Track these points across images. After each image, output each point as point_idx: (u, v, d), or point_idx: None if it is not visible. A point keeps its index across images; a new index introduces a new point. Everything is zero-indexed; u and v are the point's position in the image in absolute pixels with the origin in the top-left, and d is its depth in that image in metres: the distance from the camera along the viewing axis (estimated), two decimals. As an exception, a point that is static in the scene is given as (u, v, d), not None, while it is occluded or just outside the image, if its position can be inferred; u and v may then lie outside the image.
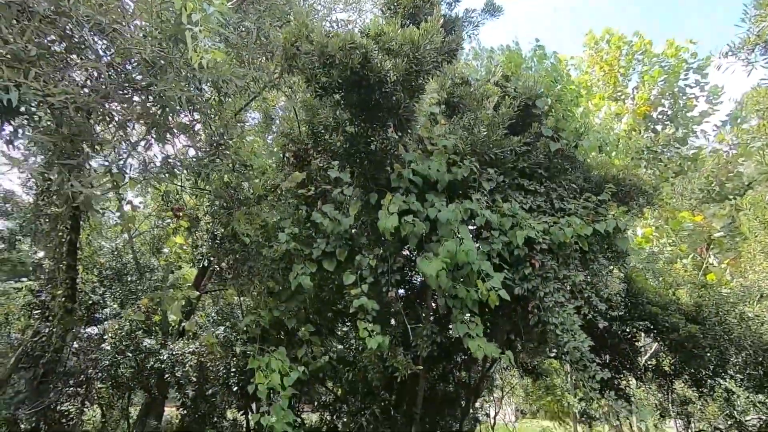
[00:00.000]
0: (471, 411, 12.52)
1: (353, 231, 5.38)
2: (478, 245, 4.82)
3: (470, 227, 5.11)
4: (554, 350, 8.37)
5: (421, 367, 5.07)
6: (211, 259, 5.51)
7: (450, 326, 5.61)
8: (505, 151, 5.40)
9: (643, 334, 8.84)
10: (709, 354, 7.16)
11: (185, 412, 11.01)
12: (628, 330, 8.20)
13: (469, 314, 4.46)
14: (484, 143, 5.12)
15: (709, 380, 8.95)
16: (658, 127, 19.03)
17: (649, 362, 9.05)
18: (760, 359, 8.30)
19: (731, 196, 17.88)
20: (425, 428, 10.73)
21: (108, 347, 10.75)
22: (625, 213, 5.16)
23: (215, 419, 10.35)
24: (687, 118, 18.48)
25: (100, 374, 10.73)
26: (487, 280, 4.31)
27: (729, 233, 15.13)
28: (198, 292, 7.87)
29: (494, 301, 4.25)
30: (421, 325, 5.06)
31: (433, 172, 4.79)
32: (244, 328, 4.99)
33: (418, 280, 6.69)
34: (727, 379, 9.01)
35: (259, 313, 4.91)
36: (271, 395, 4.87)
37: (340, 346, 10.87)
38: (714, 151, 18.94)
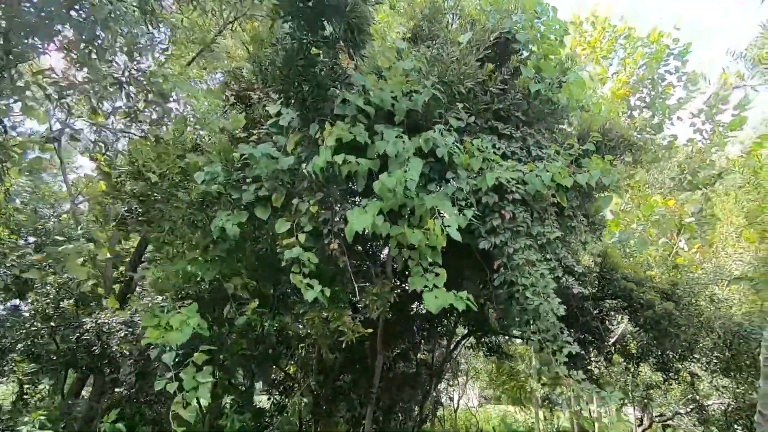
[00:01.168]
0: (433, 393, 11.99)
1: (294, 173, 4.48)
2: (439, 186, 4.00)
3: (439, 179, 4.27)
4: (519, 328, 7.77)
5: (371, 330, 4.29)
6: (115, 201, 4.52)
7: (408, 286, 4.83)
8: (478, 89, 4.59)
9: (612, 314, 8.40)
10: (684, 333, 6.72)
11: (120, 389, 9.99)
12: (599, 308, 7.70)
13: (429, 265, 3.67)
14: (454, 72, 4.28)
15: (675, 363, 8.65)
16: (635, 113, 18.78)
17: (616, 345, 8.64)
18: (729, 342, 8.01)
19: (701, 186, 17.94)
20: (382, 409, 10.10)
21: (27, 315, 9.52)
22: (611, 163, 4.47)
23: (149, 397, 9.36)
24: (664, 106, 18.27)
25: (19, 346, 9.54)
26: (441, 218, 3.52)
27: (699, 221, 15.08)
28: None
29: (441, 242, 3.48)
30: (371, 283, 4.25)
31: (388, 98, 3.92)
32: (147, 282, 4.03)
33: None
34: (695, 362, 8.74)
35: (161, 261, 3.97)
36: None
37: (299, 325, 10.04)
38: (689, 140, 18.93)
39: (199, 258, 4.14)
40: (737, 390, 9.09)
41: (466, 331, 10.54)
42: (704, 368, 8.98)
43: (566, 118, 4.93)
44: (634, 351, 8.35)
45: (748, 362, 8.04)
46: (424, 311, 10.45)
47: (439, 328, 10.29)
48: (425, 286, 3.56)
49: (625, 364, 8.95)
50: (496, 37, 4.87)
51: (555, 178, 4.04)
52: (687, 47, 17.80)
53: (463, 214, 3.77)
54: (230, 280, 4.32)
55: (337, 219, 4.08)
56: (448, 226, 3.54)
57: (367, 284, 4.29)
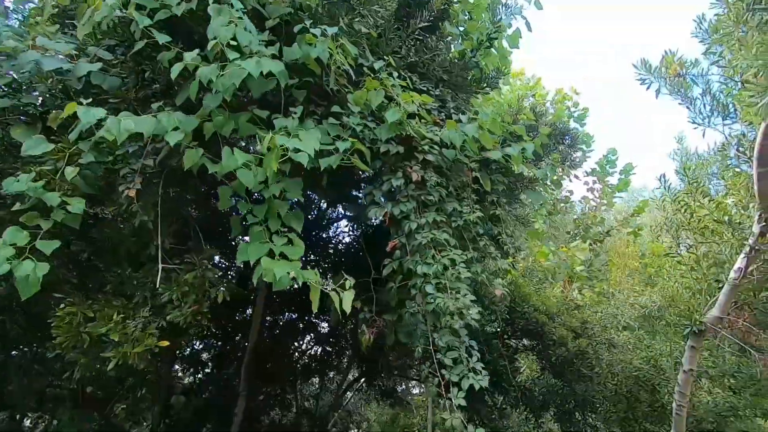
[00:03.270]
0: (315, 451, 9.90)
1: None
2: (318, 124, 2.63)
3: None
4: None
5: (166, 343, 2.57)
6: None
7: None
8: (391, 32, 3.49)
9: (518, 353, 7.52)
10: (598, 376, 5.96)
11: None
12: (507, 346, 6.75)
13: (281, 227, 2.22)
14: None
15: (576, 413, 7.97)
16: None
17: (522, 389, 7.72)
18: (630, 389, 7.55)
19: (589, 241, 19.33)
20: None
21: None
22: (555, 153, 3.59)
23: None
24: (565, 167, 19.73)
25: None
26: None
27: (588, 273, 15.82)
28: None
29: (272, 165, 2.08)
30: (187, 261, 2.61)
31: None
32: None
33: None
34: (593, 412, 8.16)
35: None
36: None
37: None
38: (582, 198, 20.61)
39: None
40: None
41: (357, 373, 8.96)
42: (601, 419, 8.44)
43: (497, 87, 4.03)
44: (539, 397, 7.46)
45: (645, 410, 7.62)
46: (312, 345, 8.71)
47: (328, 369, 8.58)
48: (271, 252, 2.08)
49: (526, 413, 8.04)
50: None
51: (482, 139, 2.95)
52: (585, 111, 19.72)
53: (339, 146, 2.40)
54: None
55: (149, 150, 2.47)
56: (294, 150, 2.12)
57: (182, 264, 2.64)
